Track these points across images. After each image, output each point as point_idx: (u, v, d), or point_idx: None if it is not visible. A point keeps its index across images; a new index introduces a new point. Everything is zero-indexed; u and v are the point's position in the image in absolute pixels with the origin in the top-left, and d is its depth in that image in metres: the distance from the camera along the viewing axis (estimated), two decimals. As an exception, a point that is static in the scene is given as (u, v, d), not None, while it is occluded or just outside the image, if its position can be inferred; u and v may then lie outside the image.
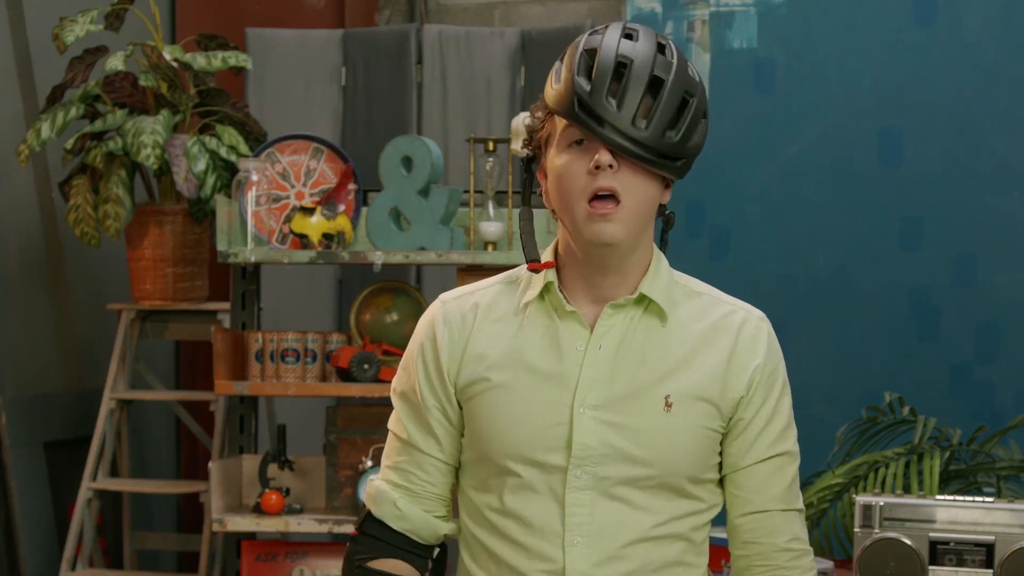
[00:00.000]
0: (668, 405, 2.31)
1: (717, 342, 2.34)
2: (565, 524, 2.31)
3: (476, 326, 2.38)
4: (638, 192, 2.28)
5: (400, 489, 2.43)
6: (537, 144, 2.37)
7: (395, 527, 2.42)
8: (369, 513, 2.44)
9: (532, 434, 2.32)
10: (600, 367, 2.32)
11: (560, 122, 2.30)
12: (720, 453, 2.38)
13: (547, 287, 2.37)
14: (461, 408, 2.38)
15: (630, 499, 2.32)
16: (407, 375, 2.43)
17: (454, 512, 2.46)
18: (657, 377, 2.32)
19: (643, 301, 2.34)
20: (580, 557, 2.31)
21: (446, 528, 2.44)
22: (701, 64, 5.44)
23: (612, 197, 2.27)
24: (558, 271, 2.39)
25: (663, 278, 2.36)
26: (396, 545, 2.42)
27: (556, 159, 2.32)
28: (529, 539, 2.33)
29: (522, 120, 4.51)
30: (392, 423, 2.46)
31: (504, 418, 2.33)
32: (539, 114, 2.35)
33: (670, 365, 2.33)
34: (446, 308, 2.42)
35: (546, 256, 2.42)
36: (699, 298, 2.38)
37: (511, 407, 2.33)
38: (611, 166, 2.26)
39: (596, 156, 2.26)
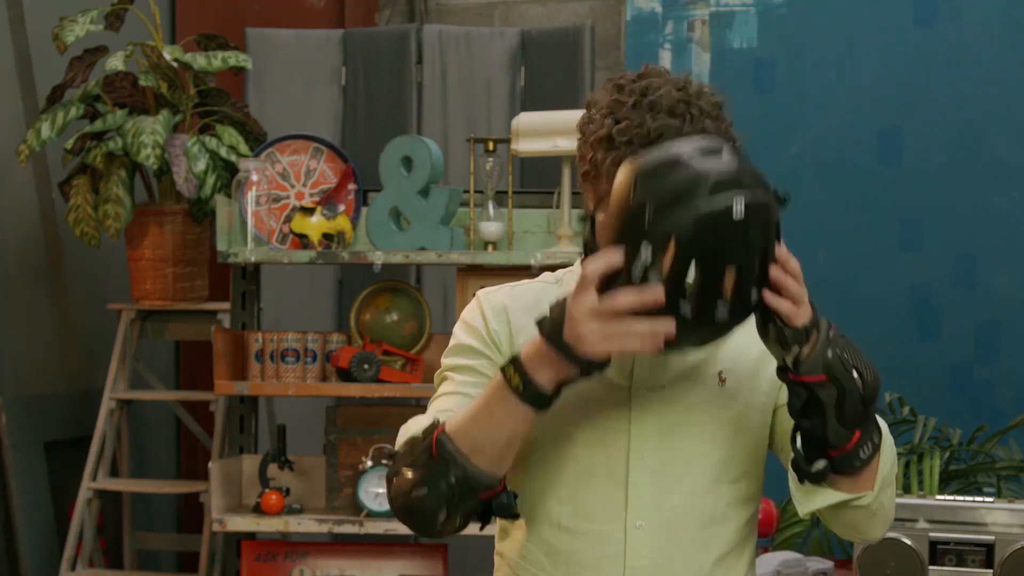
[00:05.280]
0: (722, 380, 2.34)
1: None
2: (628, 507, 2.31)
3: (522, 318, 2.36)
4: None
5: (440, 415, 2.31)
6: (582, 176, 2.32)
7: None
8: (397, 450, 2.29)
9: (593, 417, 2.32)
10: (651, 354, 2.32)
11: (605, 193, 2.23)
12: (778, 434, 2.39)
13: None
14: None
15: (692, 480, 2.33)
16: (459, 350, 2.38)
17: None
18: (708, 354, 2.34)
19: None
20: (642, 541, 2.32)
21: None
22: (701, 64, 5.45)
23: None
24: None
25: None
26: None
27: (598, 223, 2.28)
28: (589, 524, 2.32)
29: (526, 119, 4.51)
30: (438, 392, 2.37)
31: (564, 402, 2.28)
32: (587, 168, 2.28)
33: (720, 344, 2.32)
34: (490, 297, 2.41)
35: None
36: None
37: (571, 391, 2.29)
38: None
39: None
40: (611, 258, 2.08)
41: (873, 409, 2.24)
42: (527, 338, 2.33)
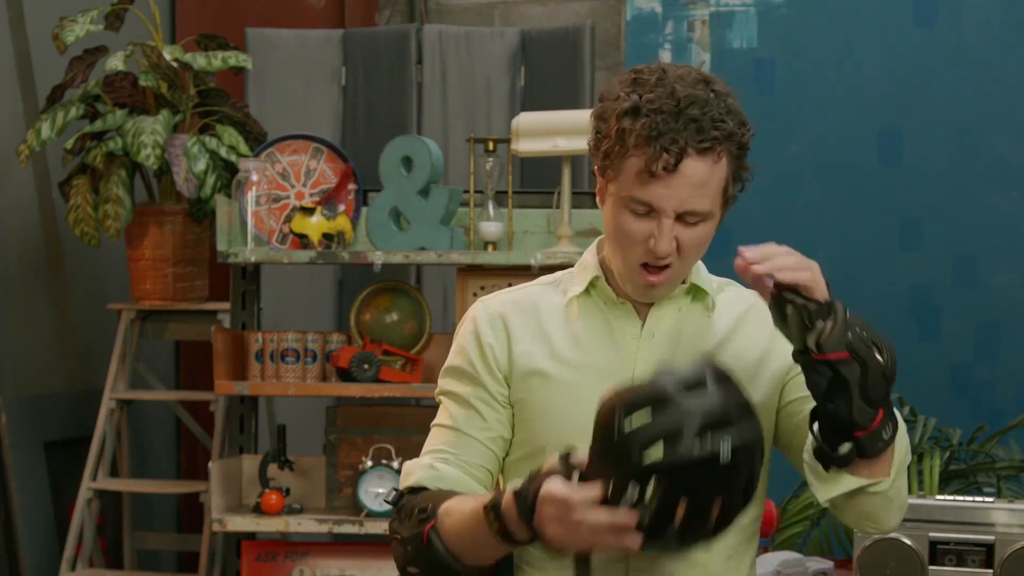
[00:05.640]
0: None
1: (759, 321, 2.35)
2: None
3: (521, 324, 2.39)
4: (693, 251, 2.31)
5: (436, 459, 2.39)
6: (603, 155, 2.31)
7: (432, 488, 2.35)
8: (401, 492, 2.37)
9: (591, 422, 2.33)
10: (655, 353, 2.35)
11: (631, 167, 2.26)
12: (786, 431, 2.39)
13: (593, 282, 2.39)
14: (511, 402, 2.39)
15: None
16: (451, 372, 2.43)
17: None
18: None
19: (691, 290, 2.40)
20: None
21: (484, 492, 2.38)
22: (701, 64, 5.44)
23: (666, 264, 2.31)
24: (603, 266, 2.40)
25: (704, 271, 2.42)
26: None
27: (615, 210, 2.30)
28: None
29: (526, 119, 4.51)
30: (436, 420, 2.44)
31: (561, 409, 2.34)
32: (609, 145, 2.29)
33: (718, 348, 2.36)
34: (487, 306, 2.43)
35: (591, 252, 2.43)
36: (732, 287, 2.44)
37: (568, 399, 2.34)
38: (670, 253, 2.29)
39: (656, 245, 2.27)
40: (592, 493, 2.09)
41: (892, 387, 2.25)
42: (526, 345, 2.36)
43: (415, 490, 2.35)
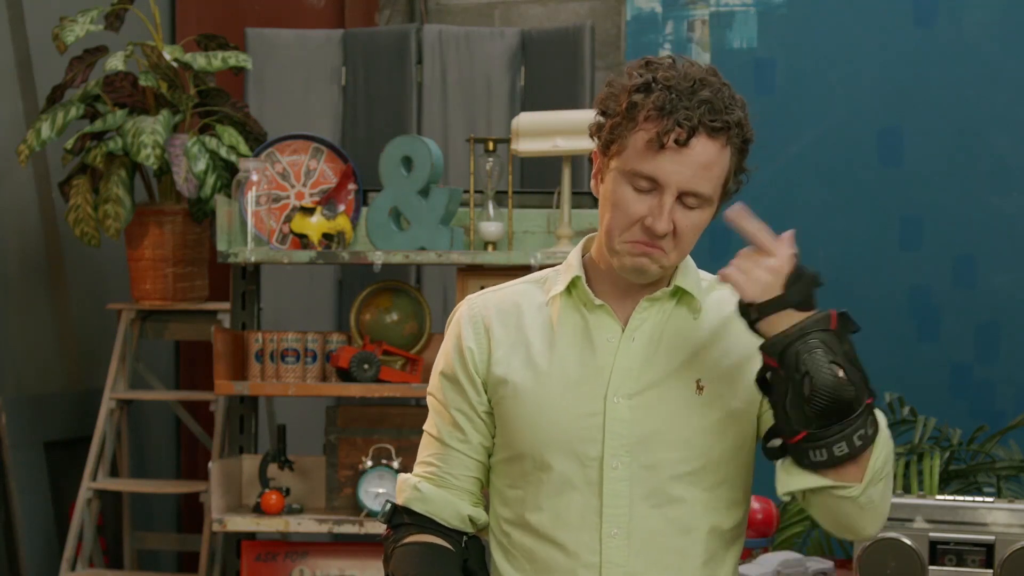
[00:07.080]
0: (700, 388, 2.33)
1: (743, 325, 2.33)
2: (603, 516, 2.32)
3: (502, 327, 2.40)
4: (688, 237, 2.30)
5: (422, 477, 2.45)
6: (608, 131, 2.30)
7: (417, 510, 2.42)
8: (395, 505, 2.45)
9: (568, 425, 2.33)
10: (634, 358, 2.34)
11: (638, 140, 2.26)
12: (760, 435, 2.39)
13: (573, 282, 2.38)
14: (491, 407, 2.40)
15: (667, 489, 2.33)
16: (437, 376, 2.45)
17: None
18: (688, 363, 2.34)
19: (676, 293, 2.37)
20: (617, 549, 2.32)
21: (469, 509, 2.42)
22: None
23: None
24: (587, 266, 2.39)
25: (692, 271, 2.39)
26: (422, 525, 2.42)
27: (614, 185, 2.29)
28: (565, 533, 2.34)
29: (526, 119, 4.51)
30: (426, 426, 2.48)
31: (539, 412, 2.34)
32: (618, 119, 2.28)
33: (700, 350, 2.35)
34: (472, 307, 2.44)
35: (575, 252, 2.43)
36: (722, 288, 2.40)
37: (545, 401, 2.34)
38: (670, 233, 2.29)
39: (654, 222, 2.26)
40: None
41: (828, 423, 2.22)
42: (504, 351, 2.37)
43: (403, 509, 2.44)
